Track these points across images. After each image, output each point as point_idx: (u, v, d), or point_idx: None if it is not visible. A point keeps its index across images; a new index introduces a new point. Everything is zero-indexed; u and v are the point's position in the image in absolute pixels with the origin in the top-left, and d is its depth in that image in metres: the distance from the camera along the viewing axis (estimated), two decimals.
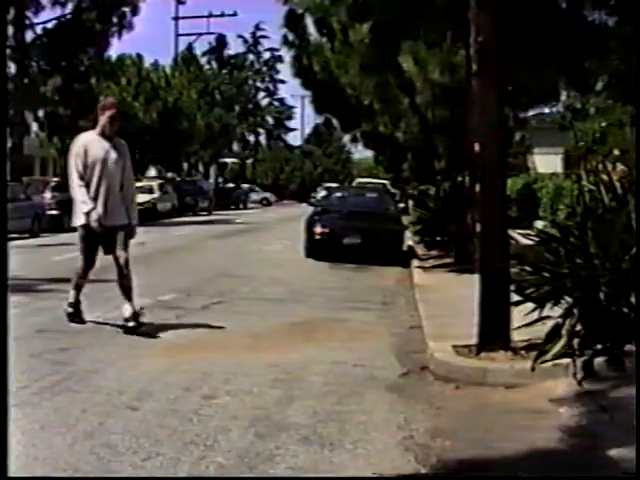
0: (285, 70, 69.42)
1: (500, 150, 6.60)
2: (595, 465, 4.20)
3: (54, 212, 25.53)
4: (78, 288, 8.13)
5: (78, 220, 7.77)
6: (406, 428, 4.83)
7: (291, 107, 79.62)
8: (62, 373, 6.07)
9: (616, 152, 18.00)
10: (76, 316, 8.07)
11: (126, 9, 30.71)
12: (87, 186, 7.67)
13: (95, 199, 7.66)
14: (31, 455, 4.28)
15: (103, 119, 7.81)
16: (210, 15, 54.43)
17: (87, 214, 7.62)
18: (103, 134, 7.81)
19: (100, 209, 7.67)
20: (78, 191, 7.69)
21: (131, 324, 7.59)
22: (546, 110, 25.01)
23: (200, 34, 55.35)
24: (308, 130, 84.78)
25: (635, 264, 5.80)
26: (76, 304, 8.11)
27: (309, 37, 20.10)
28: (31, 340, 7.20)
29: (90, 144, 7.77)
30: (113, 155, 7.77)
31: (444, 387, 5.88)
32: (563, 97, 19.63)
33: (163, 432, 4.69)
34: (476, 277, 6.67)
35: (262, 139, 78.21)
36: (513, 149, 30.80)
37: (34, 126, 34.96)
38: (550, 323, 5.99)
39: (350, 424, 4.91)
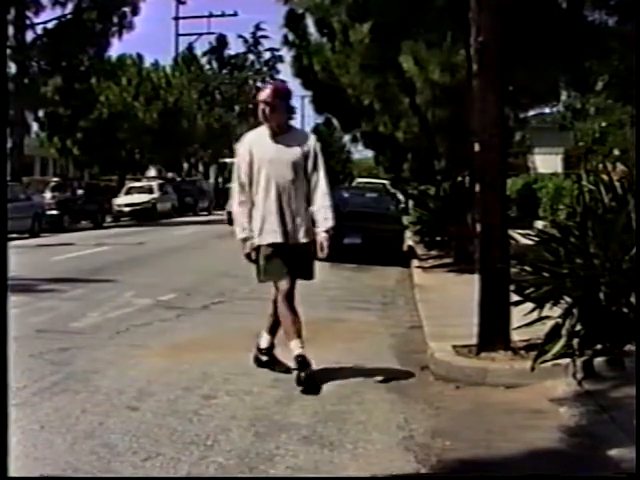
0: (285, 70, 69.37)
1: (500, 150, 6.60)
2: (595, 465, 4.20)
3: (54, 212, 25.58)
4: (272, 331, 6.21)
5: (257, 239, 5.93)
6: (406, 428, 4.83)
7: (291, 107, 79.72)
8: (62, 373, 6.07)
9: (616, 152, 18.02)
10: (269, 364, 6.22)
11: (126, 9, 30.78)
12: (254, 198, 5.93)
13: (264, 215, 5.86)
14: (31, 455, 4.28)
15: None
16: (210, 15, 54.55)
17: (243, 241, 5.93)
18: (272, 128, 5.95)
19: (274, 225, 5.83)
20: (236, 210, 6.00)
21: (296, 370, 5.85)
22: (546, 110, 25.07)
23: (200, 34, 55.49)
24: (308, 130, 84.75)
25: (635, 264, 5.80)
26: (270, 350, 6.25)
27: (309, 37, 20.15)
28: (31, 340, 7.20)
29: (256, 143, 5.99)
30: (284, 154, 5.87)
31: (444, 387, 5.88)
32: (563, 97, 19.65)
33: (163, 432, 4.69)
34: (476, 277, 6.66)
35: None
36: (513, 149, 30.84)
37: (34, 126, 35.07)
38: (550, 323, 5.99)
39: (350, 424, 4.91)
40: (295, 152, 5.87)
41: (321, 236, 5.81)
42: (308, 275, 6.08)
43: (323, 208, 5.83)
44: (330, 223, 5.80)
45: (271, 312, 6.10)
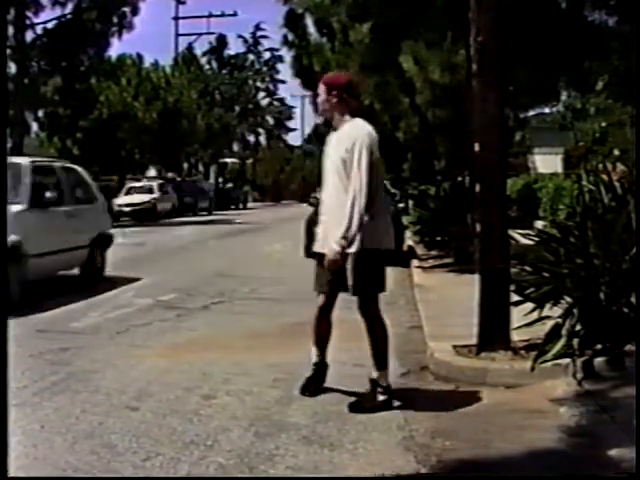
0: (285, 70, 69.33)
1: (500, 150, 6.60)
2: (595, 465, 4.20)
3: None
4: (318, 342, 5.63)
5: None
6: (406, 428, 4.83)
7: (291, 107, 79.67)
8: (62, 373, 6.07)
9: (616, 152, 17.99)
10: (309, 384, 5.57)
11: (126, 9, 30.78)
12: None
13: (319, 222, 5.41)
14: (31, 455, 4.29)
15: None
16: (210, 15, 54.65)
17: None
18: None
19: (319, 233, 5.35)
20: None
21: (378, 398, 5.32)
22: (546, 110, 25.04)
23: (200, 34, 55.56)
24: (308, 130, 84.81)
25: (635, 264, 5.80)
26: (319, 366, 5.64)
27: (309, 37, 20.13)
28: (31, 340, 7.20)
29: (327, 143, 5.53)
30: (332, 154, 5.31)
31: (444, 387, 5.87)
32: (563, 97, 19.63)
33: (163, 432, 4.69)
34: (476, 277, 6.66)
35: (262, 139, 78.24)
36: (513, 149, 30.80)
37: (34, 126, 35.08)
38: (550, 323, 5.98)
39: (350, 424, 4.91)
40: (339, 150, 5.20)
41: (329, 245, 5.14)
42: (353, 288, 5.31)
43: (346, 214, 5.06)
44: (341, 231, 5.02)
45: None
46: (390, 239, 5.48)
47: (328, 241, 5.17)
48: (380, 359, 5.37)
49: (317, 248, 5.34)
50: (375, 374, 5.32)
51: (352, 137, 5.17)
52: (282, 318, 8.81)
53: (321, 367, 5.64)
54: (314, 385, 5.57)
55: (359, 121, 5.30)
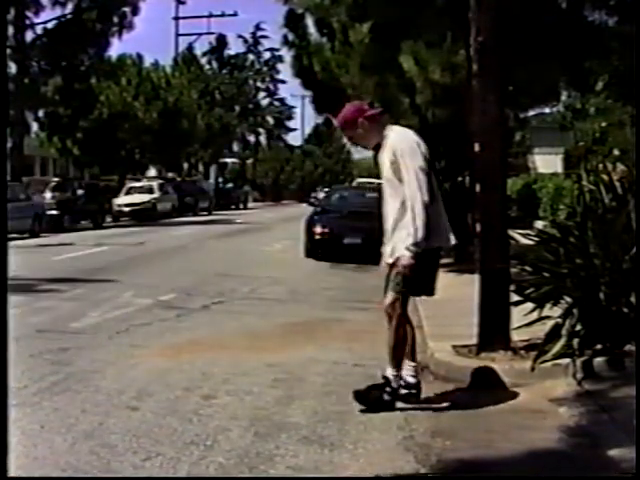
0: (285, 70, 69.23)
1: (500, 150, 6.60)
2: (595, 465, 4.20)
3: (54, 212, 25.59)
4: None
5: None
6: (406, 428, 4.83)
7: (291, 107, 79.62)
8: (62, 373, 6.07)
9: (616, 152, 17.98)
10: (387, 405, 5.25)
11: (126, 9, 30.76)
12: None
13: None
14: (31, 455, 4.29)
15: None
16: (210, 15, 54.55)
17: None
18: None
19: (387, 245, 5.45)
20: None
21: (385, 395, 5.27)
22: (546, 110, 25.02)
23: (200, 34, 55.45)
24: (308, 130, 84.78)
25: (635, 264, 5.80)
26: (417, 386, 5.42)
27: (309, 37, 20.09)
28: (31, 340, 7.21)
29: None
30: (383, 170, 5.37)
31: (444, 387, 5.87)
32: (563, 97, 19.62)
33: (163, 432, 4.69)
34: (476, 277, 6.66)
35: (262, 139, 78.20)
36: (513, 149, 30.77)
37: (34, 126, 35.03)
38: (550, 323, 5.98)
39: (350, 424, 4.91)
40: (385, 165, 5.30)
41: (402, 255, 5.15)
42: (390, 287, 5.30)
43: (408, 222, 5.14)
44: (410, 240, 5.08)
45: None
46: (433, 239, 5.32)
47: (393, 249, 5.22)
48: (395, 359, 5.31)
49: (385, 259, 5.36)
50: (389, 372, 5.29)
51: (391, 149, 5.25)
52: (282, 318, 8.81)
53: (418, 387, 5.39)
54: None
55: (395, 131, 5.38)
